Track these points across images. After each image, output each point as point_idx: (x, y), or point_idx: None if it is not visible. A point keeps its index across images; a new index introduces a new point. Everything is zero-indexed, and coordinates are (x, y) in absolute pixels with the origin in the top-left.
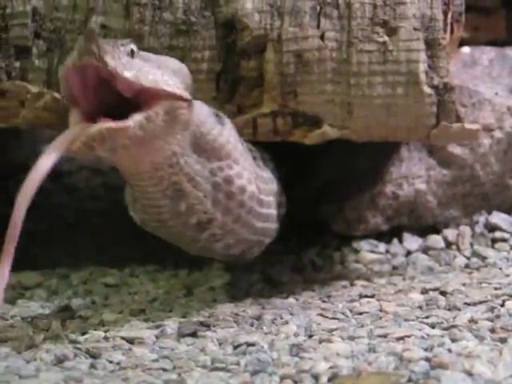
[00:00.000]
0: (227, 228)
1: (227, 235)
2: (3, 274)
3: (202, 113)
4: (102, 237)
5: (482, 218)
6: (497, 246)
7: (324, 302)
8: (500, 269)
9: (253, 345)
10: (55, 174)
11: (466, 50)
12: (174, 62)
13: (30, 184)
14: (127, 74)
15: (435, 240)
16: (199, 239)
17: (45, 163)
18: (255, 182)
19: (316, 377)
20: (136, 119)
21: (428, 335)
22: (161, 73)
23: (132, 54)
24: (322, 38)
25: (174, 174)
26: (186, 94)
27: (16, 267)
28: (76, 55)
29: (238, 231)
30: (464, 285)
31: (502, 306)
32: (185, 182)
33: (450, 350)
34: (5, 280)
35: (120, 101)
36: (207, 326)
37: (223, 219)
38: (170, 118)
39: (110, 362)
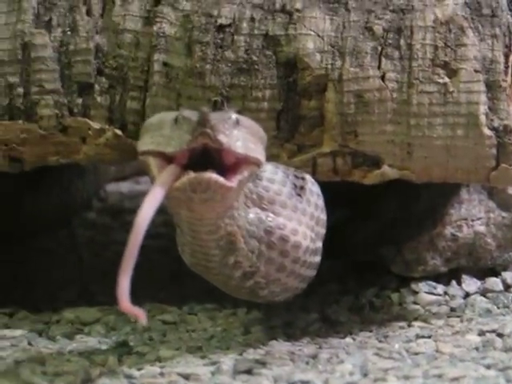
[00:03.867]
0: (271, 278)
1: (271, 285)
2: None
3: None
4: (161, 274)
5: None
6: None
7: (381, 341)
8: None
9: (307, 383)
10: (117, 211)
11: None
12: (259, 129)
13: (141, 222)
14: (239, 149)
15: (494, 282)
16: (244, 287)
17: (153, 199)
18: (312, 230)
19: None
20: (237, 182)
21: (483, 376)
22: (254, 140)
23: (237, 122)
24: (382, 78)
25: (230, 225)
26: (264, 161)
27: (75, 303)
28: (189, 137)
29: (286, 281)
30: None
31: None
32: (239, 234)
33: None
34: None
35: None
36: (263, 364)
37: (270, 272)
38: (249, 179)
39: None
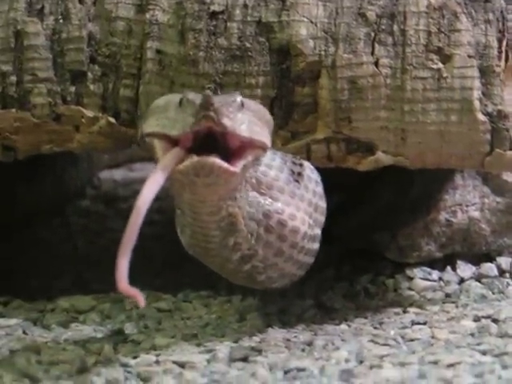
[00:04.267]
0: (268, 263)
1: (269, 269)
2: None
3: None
4: (156, 262)
5: None
6: None
7: (376, 328)
8: None
9: (303, 370)
10: (110, 199)
11: None
12: (266, 112)
13: (141, 204)
14: (243, 133)
15: (489, 268)
16: (241, 270)
17: (154, 181)
18: (311, 216)
19: None
20: (240, 166)
21: (479, 362)
22: (261, 124)
23: (242, 106)
24: (376, 64)
25: (232, 206)
26: (270, 145)
27: (69, 291)
28: (192, 120)
29: (283, 267)
30: None
31: None
32: (239, 215)
33: (500, 377)
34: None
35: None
36: (258, 351)
37: (267, 256)
38: (253, 163)
39: None
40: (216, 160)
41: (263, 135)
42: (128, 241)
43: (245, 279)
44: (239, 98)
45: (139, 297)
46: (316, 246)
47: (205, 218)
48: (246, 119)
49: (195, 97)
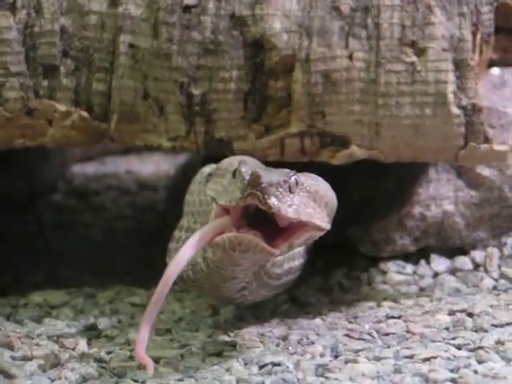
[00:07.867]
0: (257, 295)
1: (252, 296)
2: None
3: None
4: (128, 256)
5: (510, 240)
6: None
7: (351, 322)
8: None
9: (278, 365)
10: (82, 193)
11: (495, 71)
12: (327, 192)
13: (172, 270)
14: (290, 214)
15: (463, 261)
16: (228, 298)
17: (190, 248)
18: None
19: None
20: (282, 248)
21: (454, 356)
22: (316, 205)
23: (296, 186)
24: (350, 58)
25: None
26: (328, 227)
27: (42, 286)
28: (239, 195)
29: (265, 294)
30: (491, 306)
31: None
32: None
33: (476, 372)
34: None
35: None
36: (233, 346)
37: (260, 291)
38: (305, 242)
39: (135, 381)
40: (254, 238)
41: (317, 217)
42: (153, 309)
43: (223, 299)
44: (294, 178)
45: (150, 365)
46: (296, 262)
47: (236, 274)
48: (297, 200)
49: (247, 170)
